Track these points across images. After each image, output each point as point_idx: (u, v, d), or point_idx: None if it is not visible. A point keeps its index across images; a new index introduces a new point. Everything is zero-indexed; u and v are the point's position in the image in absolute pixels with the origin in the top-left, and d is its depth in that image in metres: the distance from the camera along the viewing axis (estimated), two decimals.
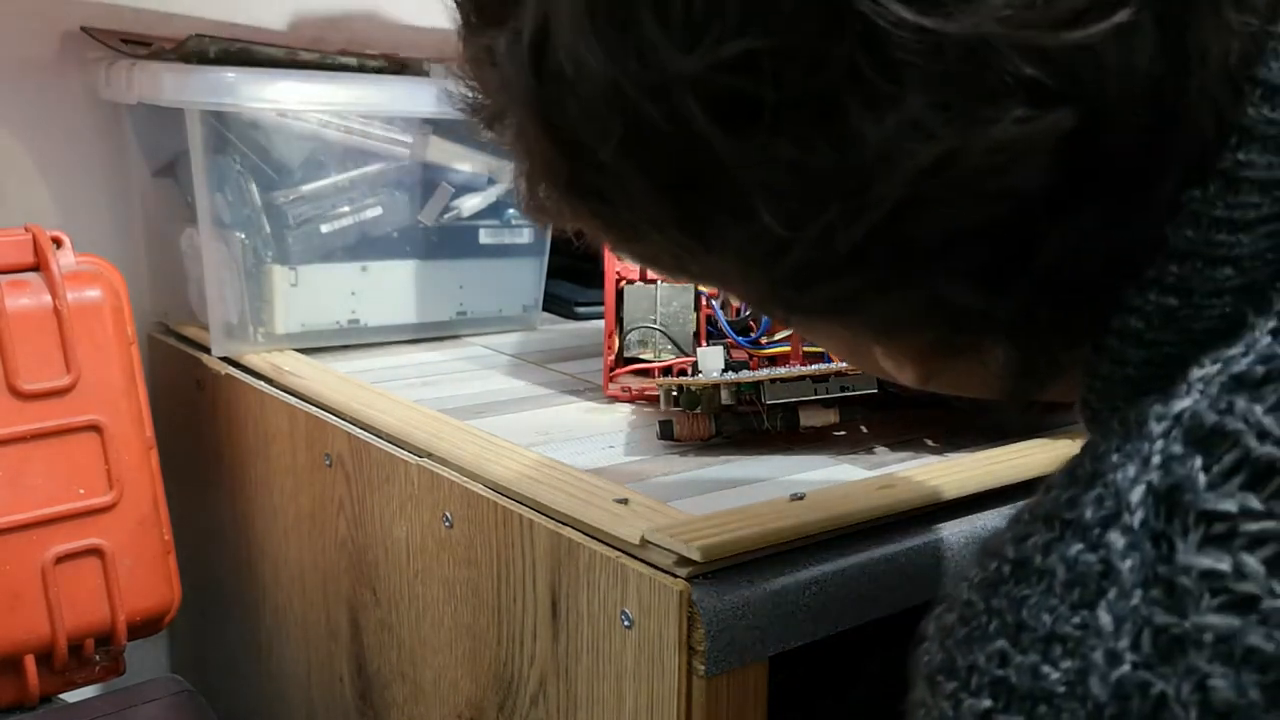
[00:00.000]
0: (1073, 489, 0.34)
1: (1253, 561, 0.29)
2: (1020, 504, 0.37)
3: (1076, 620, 0.31)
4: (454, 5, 0.40)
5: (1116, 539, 0.31)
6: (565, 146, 0.37)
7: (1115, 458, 0.33)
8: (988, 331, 0.39)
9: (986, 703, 0.32)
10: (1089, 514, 0.32)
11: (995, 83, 0.32)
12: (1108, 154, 0.33)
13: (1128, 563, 0.31)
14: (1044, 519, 0.34)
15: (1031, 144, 0.33)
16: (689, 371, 0.80)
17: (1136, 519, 0.31)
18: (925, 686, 0.35)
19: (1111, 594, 0.31)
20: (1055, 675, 0.31)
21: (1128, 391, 0.37)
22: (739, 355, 0.81)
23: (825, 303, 0.39)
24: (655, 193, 0.36)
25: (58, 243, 0.84)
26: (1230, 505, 0.30)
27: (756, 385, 0.70)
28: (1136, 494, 0.31)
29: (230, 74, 0.87)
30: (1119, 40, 0.32)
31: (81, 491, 0.82)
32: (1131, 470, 0.32)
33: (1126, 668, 0.30)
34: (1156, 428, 0.32)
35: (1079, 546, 0.32)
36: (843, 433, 0.75)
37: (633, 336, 0.82)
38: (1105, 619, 0.30)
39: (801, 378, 0.69)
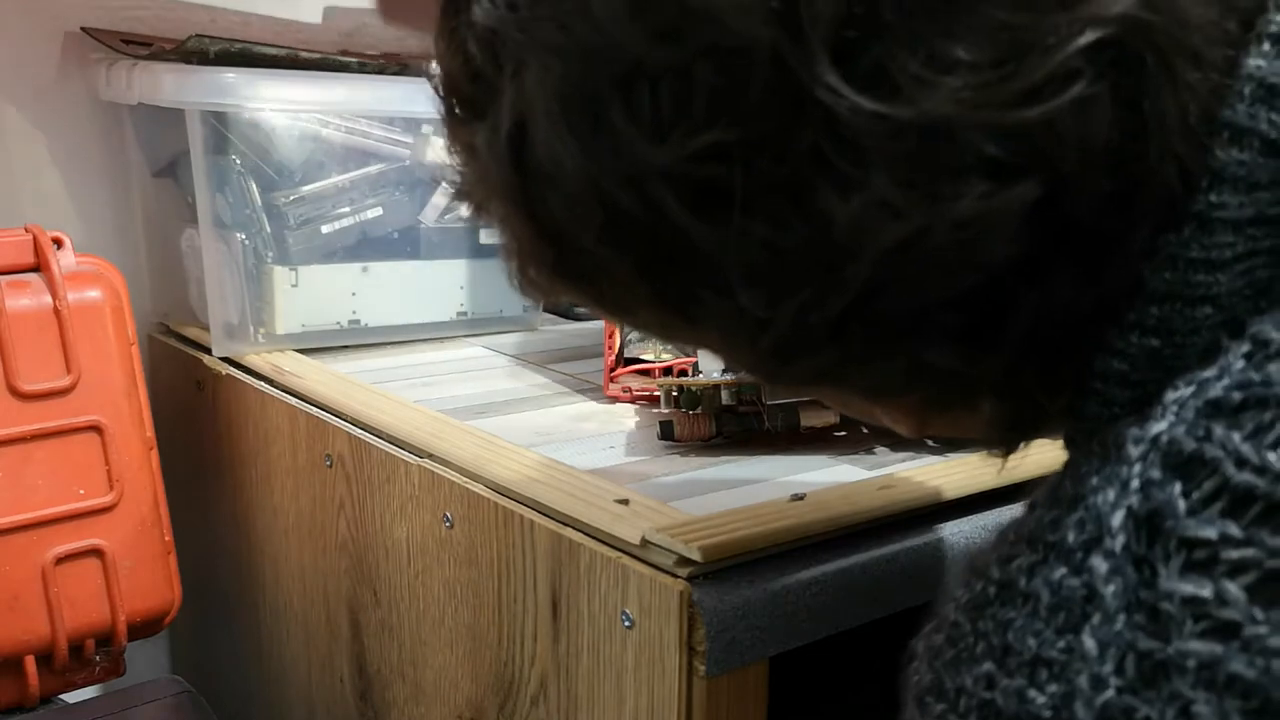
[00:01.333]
0: (1055, 510, 0.34)
1: (1234, 588, 0.29)
2: (1005, 522, 0.38)
3: (1061, 644, 0.31)
4: (438, 96, 0.41)
5: (1099, 563, 0.31)
6: (548, 235, 0.38)
7: (1095, 480, 0.33)
8: (974, 390, 0.40)
9: None
10: (1071, 537, 0.33)
11: (957, 161, 0.33)
12: (1073, 220, 0.34)
13: (1110, 587, 0.31)
14: (1028, 540, 0.34)
15: (997, 217, 0.33)
16: (689, 372, 0.80)
17: (1118, 543, 0.31)
18: (915, 707, 0.36)
19: (1095, 618, 0.31)
20: (1041, 699, 0.31)
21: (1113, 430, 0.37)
22: None
23: (807, 374, 0.40)
24: (637, 274, 0.37)
25: (58, 243, 0.84)
26: (1210, 532, 0.30)
27: (757, 385, 0.70)
28: (1117, 518, 0.32)
29: (230, 74, 0.87)
30: (1077, 113, 0.33)
31: (82, 492, 0.82)
32: (1111, 494, 0.32)
33: (1111, 693, 0.30)
34: (1134, 451, 0.33)
35: (1062, 570, 0.32)
36: (843, 433, 0.75)
37: (633, 337, 0.82)
38: (1090, 643, 0.31)
39: None
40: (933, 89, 0.32)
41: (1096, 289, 0.36)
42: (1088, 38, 0.32)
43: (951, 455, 0.71)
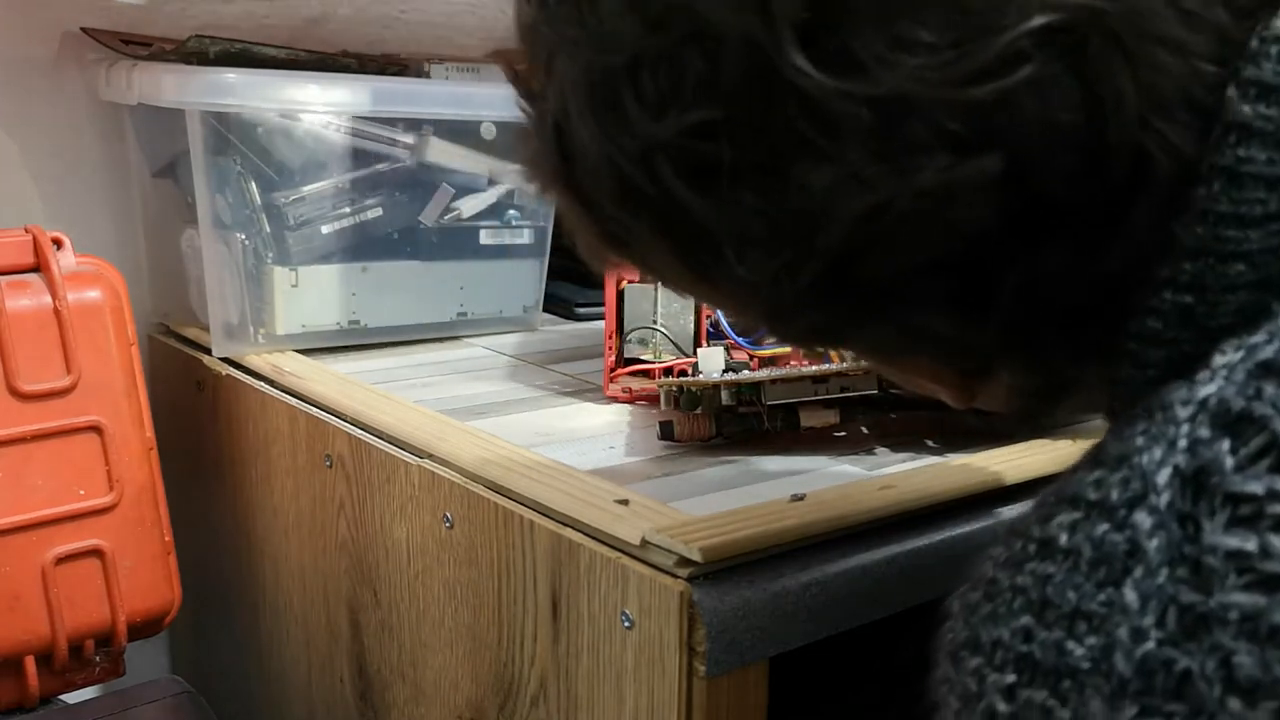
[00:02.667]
0: (1098, 470, 0.34)
1: (1278, 542, 0.29)
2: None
3: (1102, 598, 0.32)
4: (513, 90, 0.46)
5: (1143, 519, 0.32)
6: (586, 206, 0.43)
7: (1141, 441, 0.34)
8: (981, 355, 0.42)
9: (1011, 678, 0.33)
10: (1115, 495, 0.33)
11: (919, 136, 0.35)
12: (1043, 194, 0.36)
13: (1154, 542, 0.31)
14: (1069, 500, 0.35)
15: (959, 188, 0.36)
16: (689, 372, 0.80)
17: (1163, 500, 0.32)
18: (949, 662, 0.36)
19: (1138, 572, 0.31)
20: (1080, 651, 0.32)
21: (1151, 393, 0.38)
22: (739, 355, 0.81)
23: (805, 333, 0.44)
24: (658, 242, 0.42)
25: (58, 243, 0.84)
26: (1257, 487, 0.30)
27: (757, 386, 0.70)
28: (1163, 476, 0.32)
29: (230, 74, 0.87)
30: (1034, 92, 0.35)
31: (82, 492, 0.82)
32: (1158, 453, 0.33)
33: (1151, 644, 0.30)
34: (1182, 412, 0.33)
35: (1105, 526, 0.33)
36: (843, 433, 0.75)
37: (633, 337, 0.82)
38: (1131, 596, 0.31)
39: (802, 378, 0.69)
40: (894, 68, 0.35)
41: (1103, 261, 0.38)
42: (1036, 22, 0.34)
43: (951, 455, 0.71)
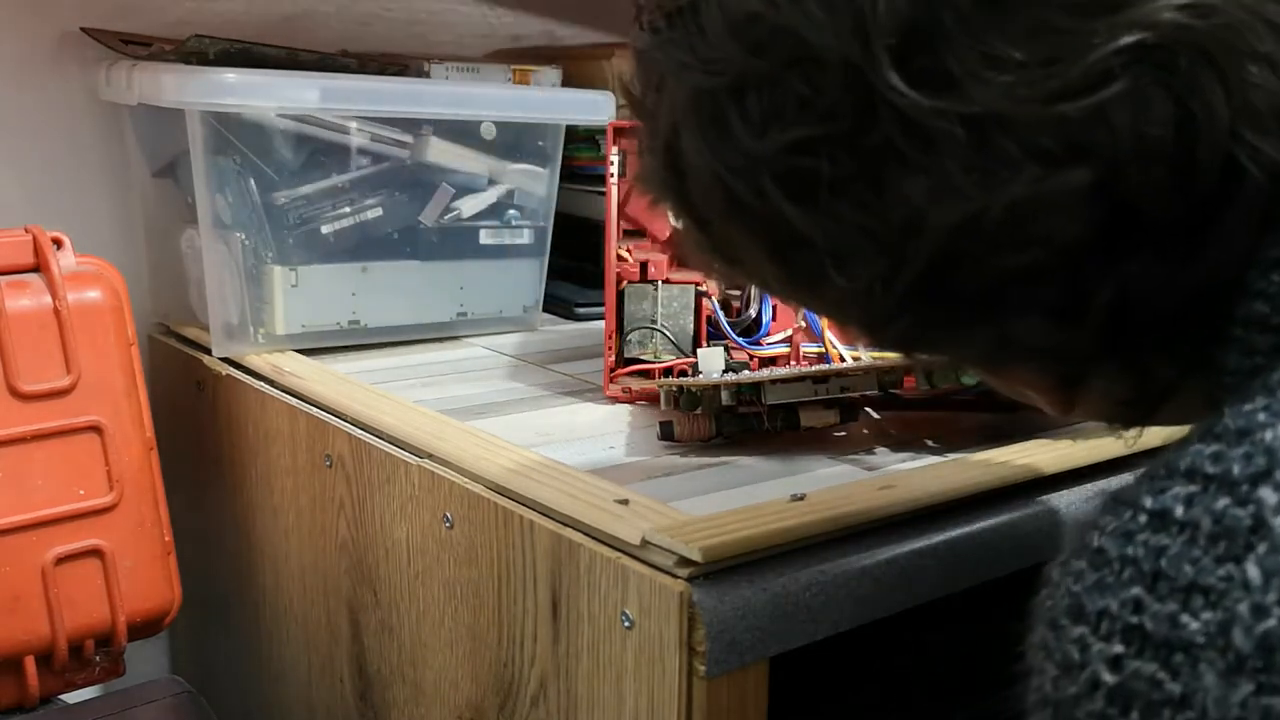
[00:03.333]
0: (1216, 445, 0.34)
1: None
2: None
3: (1221, 573, 0.32)
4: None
5: (1269, 495, 0.32)
6: (694, 220, 0.46)
7: (1263, 416, 0.34)
8: (1085, 363, 0.43)
9: (1118, 648, 0.33)
10: (1237, 470, 0.33)
11: (1009, 150, 0.37)
12: (1133, 206, 0.38)
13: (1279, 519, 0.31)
14: (1185, 474, 0.34)
15: (1049, 200, 0.37)
16: (689, 372, 0.80)
17: None
18: (1048, 629, 0.36)
19: (1261, 548, 0.31)
20: (1195, 625, 0.31)
21: (1257, 384, 0.39)
22: (739, 356, 0.81)
23: (901, 340, 0.45)
24: (759, 254, 0.44)
25: (58, 243, 0.84)
26: None
27: (757, 386, 0.70)
28: None
29: (230, 74, 0.87)
30: (1124, 108, 0.36)
31: (82, 492, 0.82)
32: None
33: (1273, 621, 0.30)
34: None
35: (1226, 500, 0.33)
36: (843, 433, 0.75)
37: (633, 337, 0.82)
38: (1254, 572, 0.31)
39: (802, 378, 0.69)
40: (986, 85, 0.37)
41: (1197, 271, 0.39)
42: (1126, 40, 0.36)
43: (951, 455, 0.71)
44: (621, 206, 0.82)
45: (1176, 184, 0.37)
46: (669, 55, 0.43)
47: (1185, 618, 0.32)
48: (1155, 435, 0.76)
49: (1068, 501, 0.69)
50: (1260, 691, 0.30)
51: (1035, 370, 0.46)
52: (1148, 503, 0.34)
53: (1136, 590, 0.33)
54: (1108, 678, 0.33)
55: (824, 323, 0.79)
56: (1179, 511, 0.33)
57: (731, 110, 0.41)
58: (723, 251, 0.47)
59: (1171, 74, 0.36)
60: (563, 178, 1.04)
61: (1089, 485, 0.70)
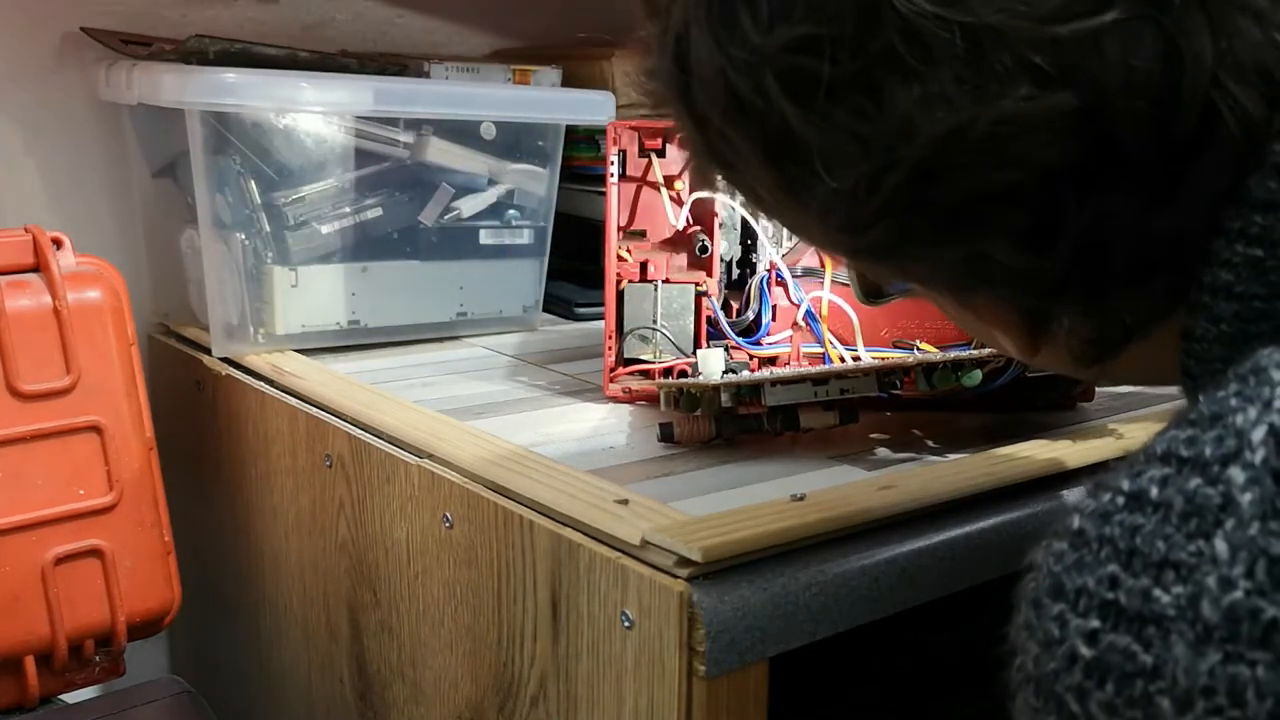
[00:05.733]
0: (1190, 430, 0.35)
1: None
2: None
3: (1192, 548, 0.33)
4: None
5: (1237, 474, 0.33)
6: (696, 121, 0.47)
7: (1235, 401, 0.35)
8: (1051, 299, 0.44)
9: (1095, 623, 0.34)
10: (1209, 452, 0.34)
11: (1004, 65, 0.39)
12: (1112, 137, 0.39)
13: (1247, 496, 0.32)
14: (1160, 457, 0.35)
15: (1035, 119, 0.39)
16: (689, 372, 0.80)
17: (1258, 457, 0.33)
18: (1030, 609, 0.37)
19: (1229, 525, 0.32)
20: (1166, 599, 0.32)
21: (1223, 351, 0.40)
22: (739, 356, 0.81)
23: (877, 248, 0.46)
24: (754, 157, 0.45)
25: (58, 243, 0.84)
26: None
27: (756, 387, 0.70)
28: (1258, 434, 0.33)
29: (230, 74, 0.87)
30: (1116, 37, 0.38)
31: (81, 492, 0.82)
32: (1253, 412, 0.34)
33: (1239, 594, 0.31)
34: (1276, 375, 0.35)
35: (1198, 481, 0.34)
36: (843, 434, 0.75)
37: (633, 338, 0.82)
38: (1221, 547, 0.32)
39: (802, 379, 0.69)
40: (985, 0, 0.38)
41: (1162, 212, 0.40)
42: None
43: (951, 455, 0.71)
44: (621, 206, 0.82)
45: (1157, 120, 0.39)
46: None
47: (1157, 592, 0.33)
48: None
49: (1067, 502, 0.69)
50: (1227, 660, 0.31)
51: (1002, 303, 0.47)
52: (1125, 485, 0.36)
53: (1113, 568, 0.34)
54: (1085, 651, 0.34)
55: (824, 324, 0.79)
56: (1154, 492, 0.34)
57: (742, 8, 0.42)
58: (719, 155, 0.47)
59: (1163, 11, 0.38)
60: (563, 178, 1.04)
61: (1087, 486, 0.70)
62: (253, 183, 0.90)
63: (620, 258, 0.81)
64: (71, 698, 0.85)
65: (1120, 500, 0.35)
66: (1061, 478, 0.70)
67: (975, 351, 0.72)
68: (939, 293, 0.50)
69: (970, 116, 0.39)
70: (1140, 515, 0.34)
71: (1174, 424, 0.37)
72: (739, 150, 0.46)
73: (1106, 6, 0.38)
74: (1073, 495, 0.38)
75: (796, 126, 0.42)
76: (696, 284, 0.82)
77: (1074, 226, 0.41)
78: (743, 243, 0.85)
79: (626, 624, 0.57)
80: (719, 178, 0.49)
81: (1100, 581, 0.34)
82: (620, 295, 0.81)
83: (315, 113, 0.91)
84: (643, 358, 0.81)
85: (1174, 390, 0.77)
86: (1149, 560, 0.33)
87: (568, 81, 1.10)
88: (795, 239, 0.85)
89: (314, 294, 0.94)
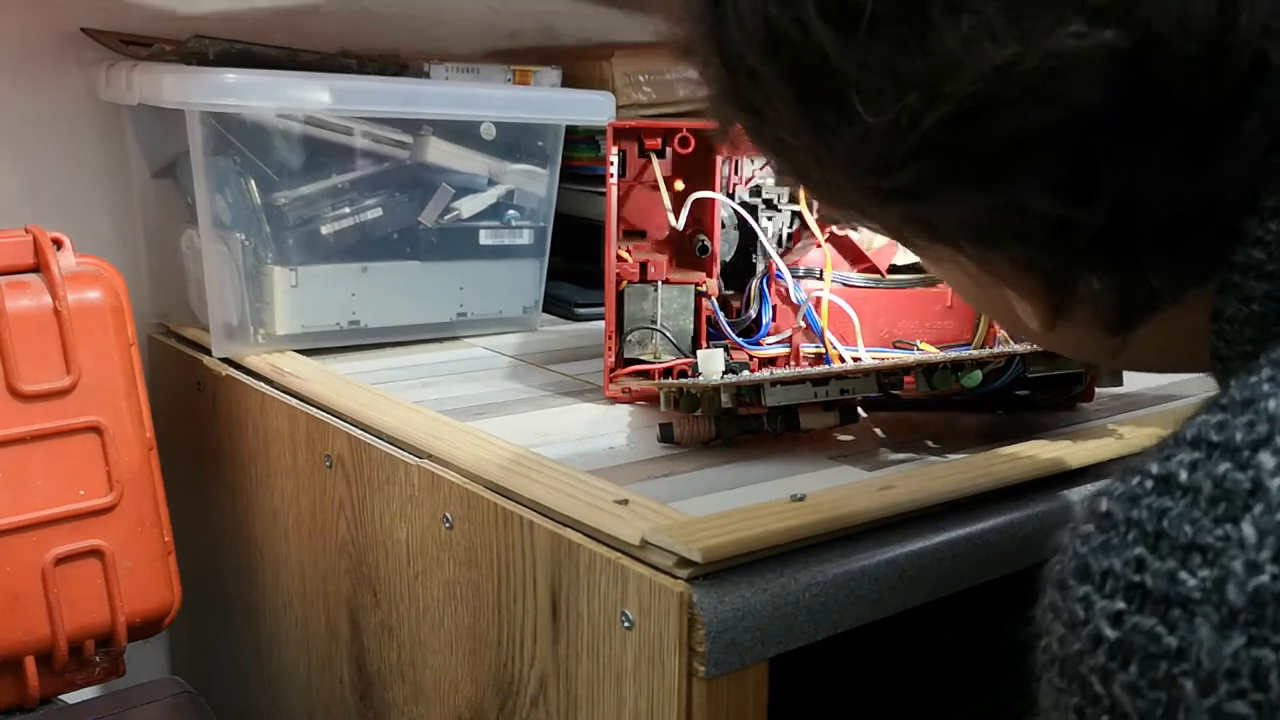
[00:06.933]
0: (1221, 415, 0.35)
1: None
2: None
3: (1219, 532, 0.33)
4: None
5: (1267, 460, 0.33)
6: (726, 59, 0.46)
7: (1267, 387, 0.35)
8: (1078, 255, 0.43)
9: (1120, 605, 0.34)
10: (1239, 437, 0.34)
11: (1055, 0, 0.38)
12: (1163, 80, 0.38)
13: (1277, 481, 0.32)
14: (1190, 442, 0.35)
15: (1085, 57, 0.38)
16: (689, 373, 0.80)
17: None
18: (1056, 591, 0.37)
19: (1258, 509, 0.32)
20: (1192, 582, 0.33)
21: (1254, 333, 0.40)
22: (739, 356, 0.81)
23: (905, 191, 0.44)
24: (788, 97, 0.44)
25: (58, 244, 0.84)
26: None
27: (757, 387, 0.70)
28: None
29: (230, 75, 0.87)
30: None
31: (82, 493, 0.82)
32: None
33: (1265, 578, 0.31)
34: None
35: (1227, 465, 0.34)
36: (843, 434, 0.75)
37: (633, 337, 0.82)
38: (1249, 532, 0.32)
39: (802, 380, 0.69)
40: None
41: (1203, 172, 0.39)
42: None
43: (951, 455, 0.71)
44: (621, 206, 0.82)
45: (1207, 65, 0.38)
46: None
47: (1184, 575, 0.33)
48: (1157, 435, 0.76)
49: (1067, 502, 0.69)
50: (1251, 644, 0.31)
51: (1027, 264, 0.45)
52: (1154, 469, 0.36)
53: (1139, 550, 0.34)
54: (1109, 633, 0.34)
55: (824, 323, 0.79)
56: (1182, 476, 0.34)
57: None
58: (745, 99, 0.46)
59: None
60: (563, 178, 1.04)
61: (1089, 486, 0.70)
62: (253, 183, 0.90)
63: (620, 258, 0.81)
64: (71, 698, 0.85)
65: (1149, 484, 0.35)
66: (1061, 478, 0.70)
67: (975, 351, 0.72)
68: (961, 249, 0.48)
69: (1018, 52, 0.38)
70: (1168, 499, 0.34)
71: (1204, 409, 0.37)
72: (769, 90, 0.45)
73: None
74: (1098, 485, 0.38)
75: (835, 60, 0.41)
76: (696, 284, 0.82)
77: (1111, 178, 0.40)
78: (742, 243, 0.85)
79: (626, 624, 0.57)
80: (739, 126, 0.48)
81: (1126, 564, 0.34)
82: (620, 295, 0.81)
83: (315, 113, 0.91)
84: (643, 358, 0.81)
85: (1175, 390, 0.77)
86: (1176, 543, 0.33)
87: (568, 81, 1.10)
88: (797, 227, 0.85)
89: (314, 294, 0.94)
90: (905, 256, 0.82)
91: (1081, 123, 0.39)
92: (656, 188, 0.82)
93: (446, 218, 0.99)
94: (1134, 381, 0.79)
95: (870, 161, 0.43)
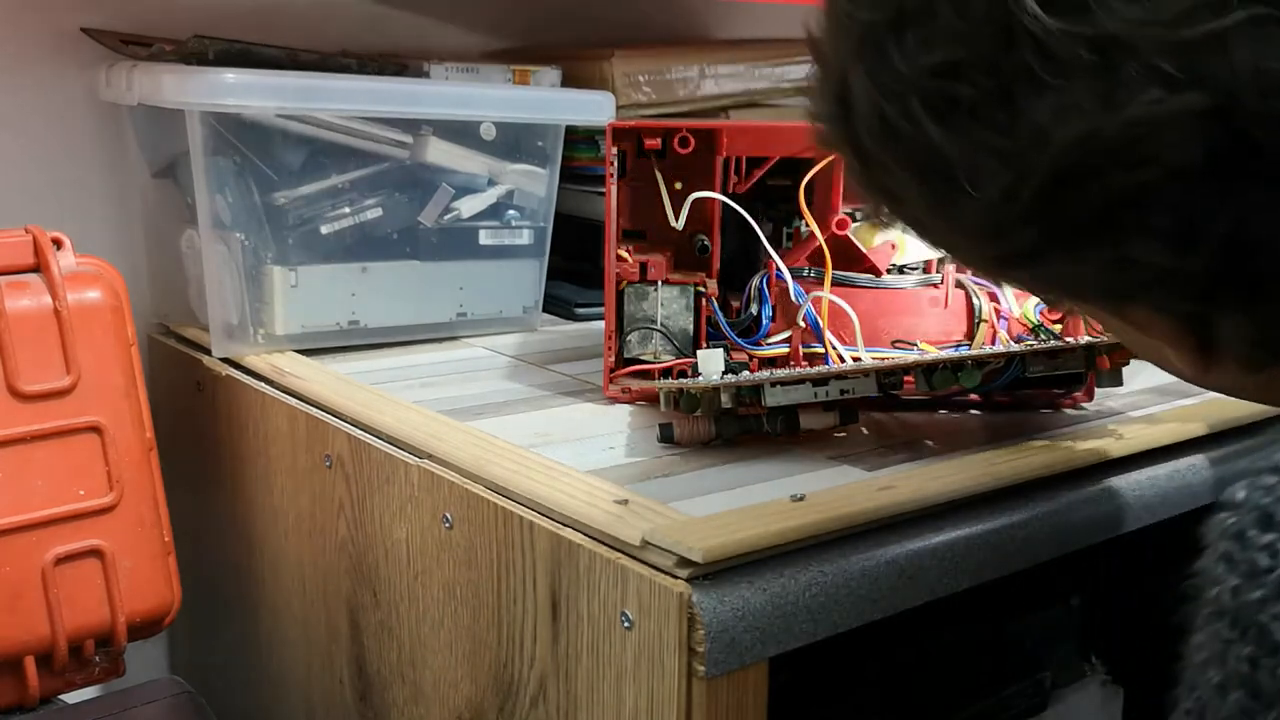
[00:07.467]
0: None
1: None
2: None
3: None
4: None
5: None
6: (858, 153, 0.51)
7: None
8: (1206, 298, 0.44)
9: None
10: None
11: (1131, 71, 0.40)
12: (1247, 135, 0.40)
13: None
14: None
15: (1165, 120, 0.40)
16: (689, 373, 0.80)
17: None
18: (1232, 542, 0.38)
19: None
20: None
21: None
22: (739, 357, 0.81)
23: (1022, 257, 0.48)
24: (912, 180, 0.49)
25: (58, 244, 0.84)
26: None
27: (756, 388, 0.70)
28: None
29: (230, 75, 0.87)
30: (1242, 38, 0.39)
31: (82, 492, 0.82)
32: None
33: None
34: None
35: None
36: (843, 434, 0.75)
37: (633, 337, 0.81)
38: None
39: (801, 380, 0.69)
40: (1112, 11, 0.40)
41: None
42: None
43: (951, 455, 0.71)
44: (621, 206, 0.82)
45: None
46: (835, 4, 0.49)
47: None
48: (1157, 435, 0.76)
49: (1068, 502, 0.69)
50: None
51: (1159, 312, 0.47)
52: None
53: None
54: None
55: (824, 323, 0.79)
56: None
57: (890, 41, 0.46)
58: (882, 186, 0.51)
59: None
60: (563, 178, 1.04)
61: (1089, 487, 0.70)
62: (252, 183, 0.90)
63: (620, 258, 0.81)
64: (71, 698, 0.85)
65: None
66: (1061, 478, 0.70)
67: (975, 351, 0.72)
68: (1094, 304, 0.51)
69: (1101, 122, 0.41)
70: None
71: None
72: (896, 176, 0.49)
73: (1231, 7, 0.39)
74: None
75: (941, 145, 0.45)
76: (696, 284, 0.82)
77: (1217, 224, 0.41)
78: (743, 243, 0.85)
79: (626, 624, 0.57)
80: (885, 210, 0.53)
81: None
82: (620, 295, 0.81)
83: (315, 113, 0.91)
84: (643, 358, 0.81)
85: (1175, 390, 0.77)
86: None
87: (568, 81, 1.10)
88: (797, 226, 0.85)
89: (314, 294, 0.94)
90: (905, 256, 0.82)
91: (1177, 179, 0.41)
92: (656, 188, 0.82)
93: (446, 218, 0.98)
94: (1134, 381, 0.79)
95: (987, 232, 0.48)
